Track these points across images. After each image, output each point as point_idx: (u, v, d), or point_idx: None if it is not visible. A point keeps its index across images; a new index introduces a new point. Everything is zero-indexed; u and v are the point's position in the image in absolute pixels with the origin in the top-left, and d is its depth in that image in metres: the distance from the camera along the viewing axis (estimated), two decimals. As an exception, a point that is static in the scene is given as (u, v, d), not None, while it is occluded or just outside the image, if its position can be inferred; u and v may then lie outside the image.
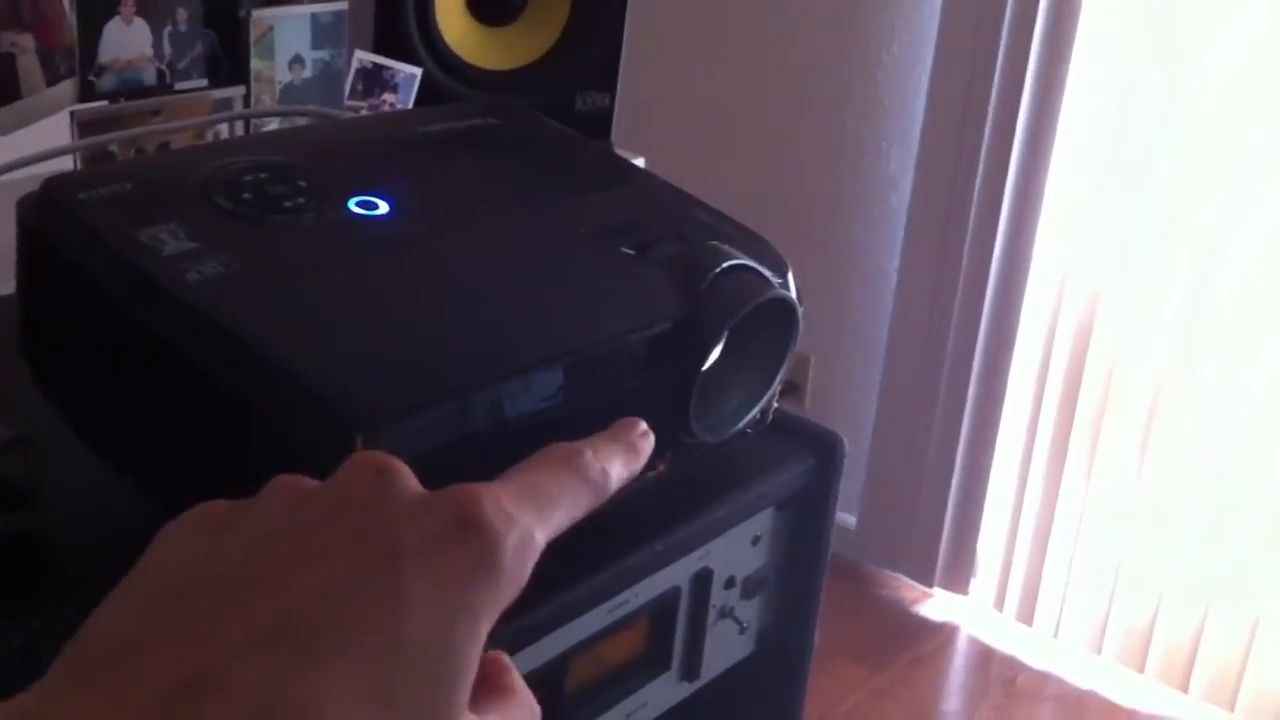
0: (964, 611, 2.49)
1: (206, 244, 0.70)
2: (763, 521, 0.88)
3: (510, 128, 0.91)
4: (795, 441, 0.89)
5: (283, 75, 1.44)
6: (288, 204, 0.74)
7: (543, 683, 0.76)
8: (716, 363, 0.77)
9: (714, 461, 0.83)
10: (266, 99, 1.44)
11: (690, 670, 0.87)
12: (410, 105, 1.58)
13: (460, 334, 0.70)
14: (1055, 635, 2.39)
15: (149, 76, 1.44)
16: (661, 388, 0.76)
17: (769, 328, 0.80)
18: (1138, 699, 2.31)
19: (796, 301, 0.80)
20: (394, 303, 0.71)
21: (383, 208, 0.77)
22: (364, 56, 1.52)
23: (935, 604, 2.50)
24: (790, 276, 0.82)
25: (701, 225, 0.83)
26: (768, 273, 0.80)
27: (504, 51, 1.65)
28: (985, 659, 2.40)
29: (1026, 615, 2.40)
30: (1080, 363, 2.26)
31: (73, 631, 0.40)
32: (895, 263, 2.43)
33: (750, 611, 0.90)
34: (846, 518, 2.58)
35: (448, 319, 0.71)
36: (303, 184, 0.76)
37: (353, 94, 1.52)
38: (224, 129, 1.42)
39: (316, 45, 1.46)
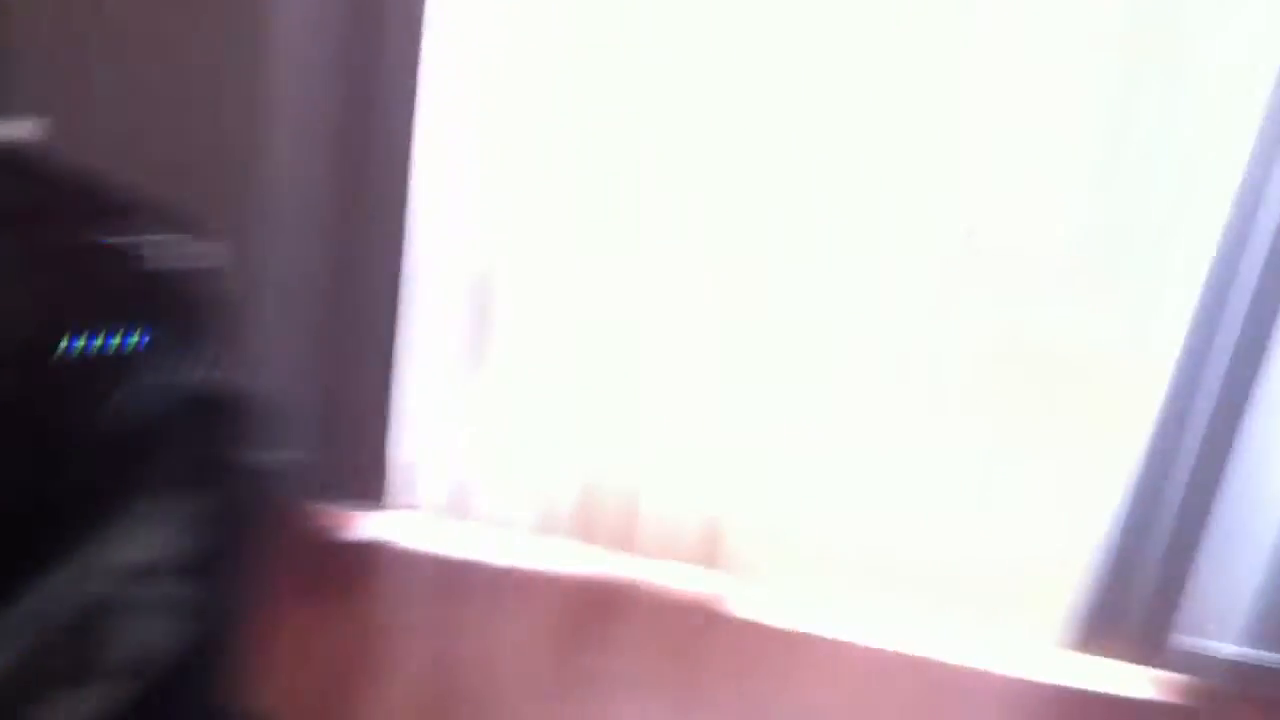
0: (384, 522, 2.59)
1: None
2: (180, 502, 0.91)
3: None
4: (198, 409, 0.91)
5: None
6: None
7: None
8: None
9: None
10: None
11: (136, 669, 0.90)
12: None
13: None
14: (471, 521, 2.56)
15: None
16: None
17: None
18: (556, 563, 2.53)
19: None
20: None
21: None
22: None
23: (365, 523, 2.58)
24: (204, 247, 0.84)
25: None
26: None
27: None
28: (411, 562, 2.52)
29: (456, 513, 2.55)
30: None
31: None
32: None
33: (186, 592, 0.93)
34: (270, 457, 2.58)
35: None
36: None
37: None
38: None
39: None
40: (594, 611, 2.47)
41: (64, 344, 0.77)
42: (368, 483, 2.57)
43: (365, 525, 2.59)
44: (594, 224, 2.31)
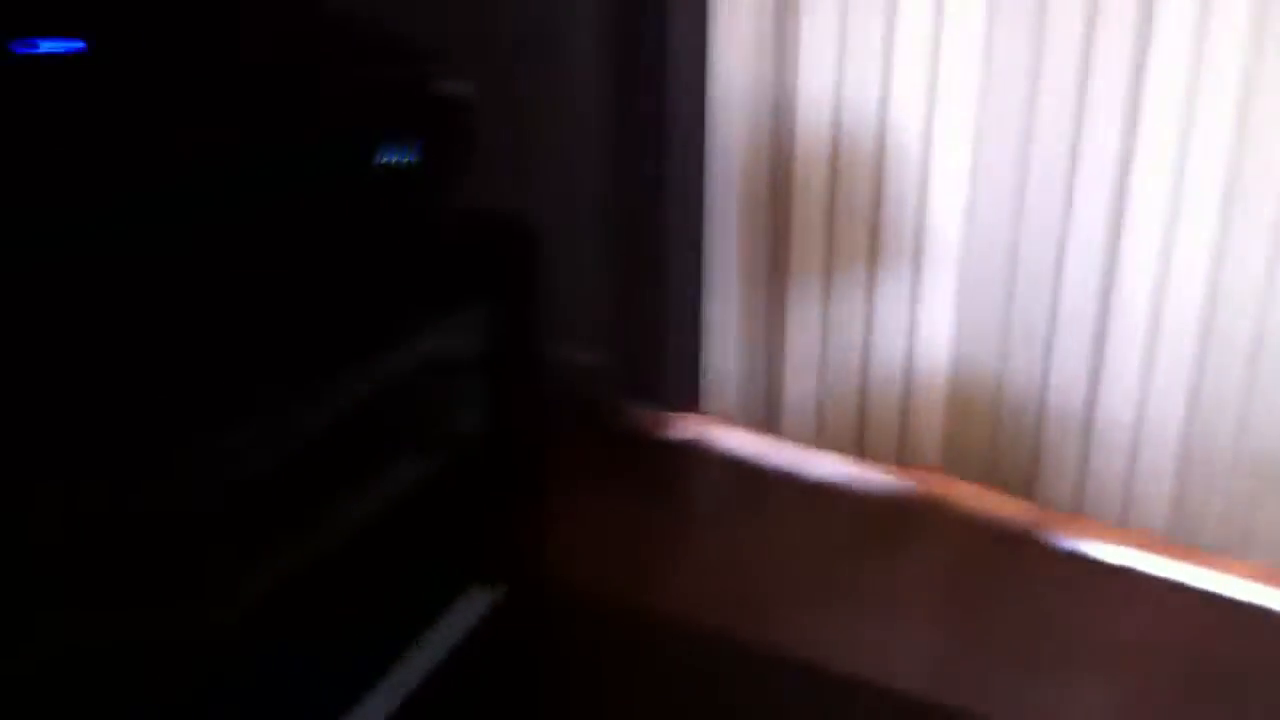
0: (699, 427, 2.66)
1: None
2: (479, 311, 0.98)
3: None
4: (497, 235, 0.99)
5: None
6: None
7: (298, 470, 0.84)
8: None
9: (426, 256, 0.92)
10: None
11: (426, 444, 0.97)
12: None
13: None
14: (783, 436, 2.59)
15: None
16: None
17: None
18: (869, 479, 2.53)
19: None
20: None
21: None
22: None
23: (674, 424, 2.65)
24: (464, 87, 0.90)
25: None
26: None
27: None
28: (724, 466, 2.58)
29: (759, 423, 2.59)
30: (781, 173, 2.41)
31: None
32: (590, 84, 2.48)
33: (476, 392, 1.00)
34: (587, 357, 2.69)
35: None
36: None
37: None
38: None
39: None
40: (895, 527, 2.47)
41: (378, 156, 0.82)
42: (679, 385, 2.64)
43: (675, 427, 2.66)
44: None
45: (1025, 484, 2.45)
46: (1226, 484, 2.22)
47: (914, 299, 2.41)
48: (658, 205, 2.48)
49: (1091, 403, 2.32)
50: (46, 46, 0.82)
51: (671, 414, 2.63)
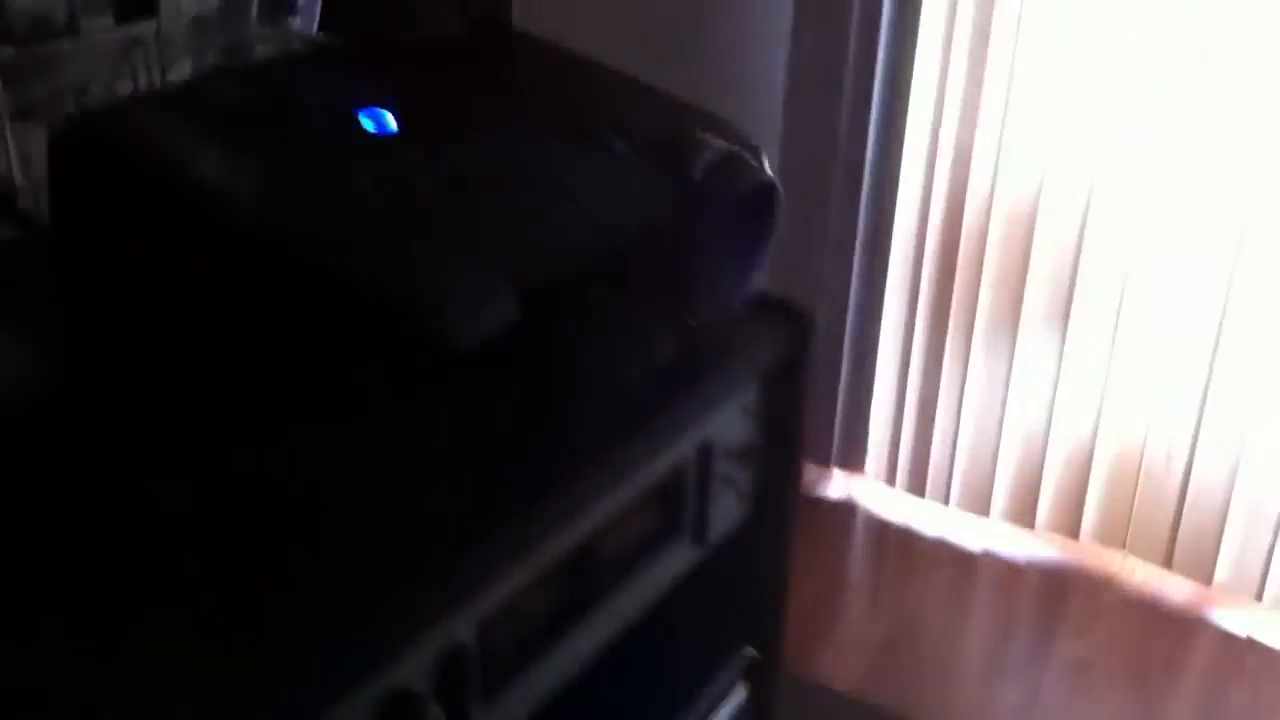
0: (859, 488, 2.61)
1: (250, 167, 0.73)
2: (750, 393, 0.95)
3: (494, 42, 0.95)
4: (769, 316, 0.96)
5: (191, 7, 1.44)
6: (309, 124, 0.78)
7: (579, 559, 0.82)
8: (712, 245, 0.83)
9: (704, 340, 0.89)
10: (175, 34, 1.44)
11: (699, 534, 0.94)
12: (315, 26, 1.59)
13: (506, 235, 0.74)
14: (945, 503, 2.53)
15: (59, 14, 1.43)
16: (667, 273, 0.81)
17: (753, 209, 0.86)
18: (1030, 551, 2.46)
19: (777, 183, 0.86)
20: (440, 215, 0.75)
21: (391, 125, 0.80)
22: (269, -17, 1.52)
23: (833, 482, 2.61)
24: (765, 159, 0.88)
25: (676, 113, 0.88)
26: (749, 157, 0.86)
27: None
28: (882, 532, 2.53)
29: (918, 487, 2.53)
30: (955, 239, 2.36)
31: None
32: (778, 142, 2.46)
33: (745, 477, 0.97)
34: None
35: (492, 223, 0.75)
36: (316, 105, 0.80)
37: (260, 19, 1.53)
38: (140, 70, 1.42)
39: (224, -25, 1.45)
40: (1058, 601, 2.40)
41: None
42: (847, 446, 2.60)
43: (840, 486, 2.61)
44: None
45: (1198, 563, 2.38)
46: None
47: (1062, 364, 2.35)
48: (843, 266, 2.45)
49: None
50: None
51: (832, 470, 2.59)
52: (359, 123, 0.80)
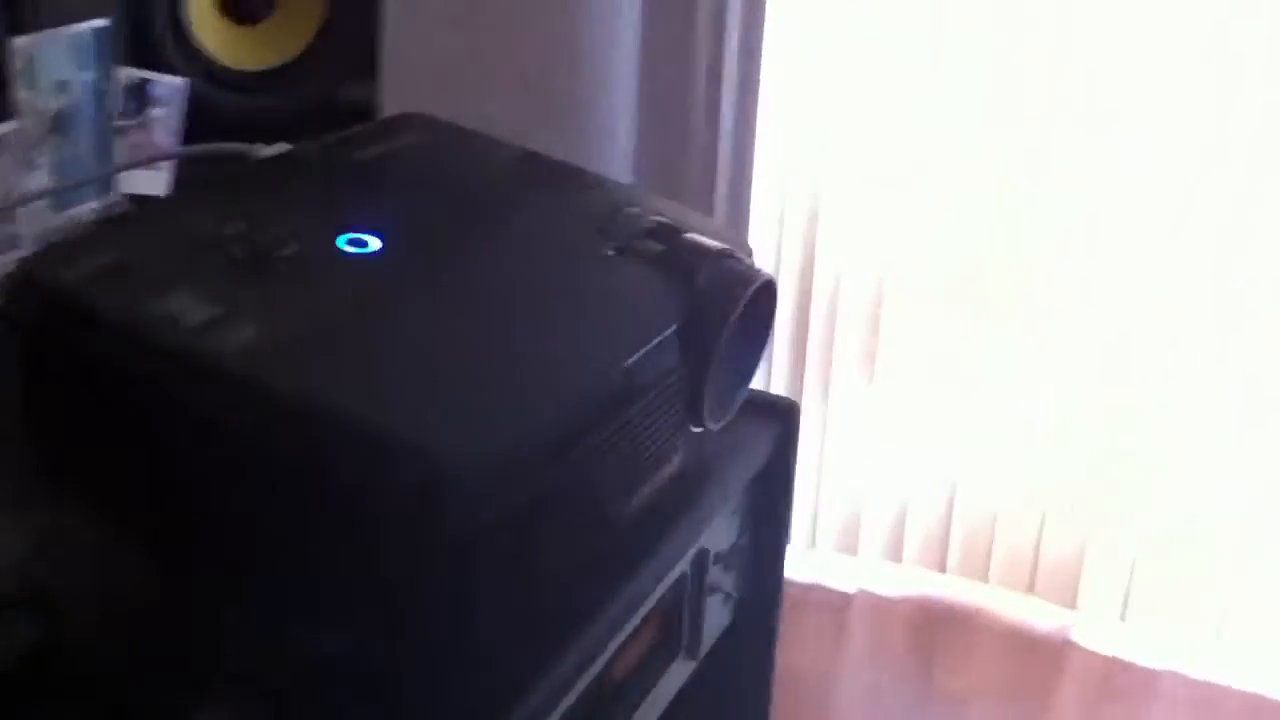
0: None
1: (223, 308, 0.66)
2: (738, 495, 0.92)
3: (437, 142, 0.89)
4: (756, 414, 0.92)
5: (49, 104, 1.34)
6: (282, 253, 0.71)
7: (593, 697, 0.77)
8: (722, 351, 0.79)
9: (701, 447, 0.85)
10: (35, 132, 1.34)
11: (693, 648, 0.90)
12: (179, 118, 1.50)
13: (506, 368, 0.69)
14: (812, 545, 2.52)
15: (-95, 120, 1.31)
16: (676, 385, 0.77)
17: (753, 308, 0.83)
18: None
19: (774, 280, 0.83)
20: (432, 343, 0.69)
21: (373, 244, 0.74)
22: (129, 73, 1.43)
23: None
24: (752, 253, 0.85)
25: (665, 214, 0.84)
26: (740, 253, 0.82)
27: (261, 50, 1.58)
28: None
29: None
30: (809, 286, 2.37)
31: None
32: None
33: (730, 582, 0.94)
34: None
35: (488, 354, 0.70)
36: (285, 230, 0.73)
37: (123, 112, 1.43)
38: (5, 167, 1.32)
39: (83, 67, 1.36)
40: (935, 636, 2.42)
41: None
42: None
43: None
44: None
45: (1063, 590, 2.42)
46: None
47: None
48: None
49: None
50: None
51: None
52: (339, 246, 0.74)
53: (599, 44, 2.32)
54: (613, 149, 2.47)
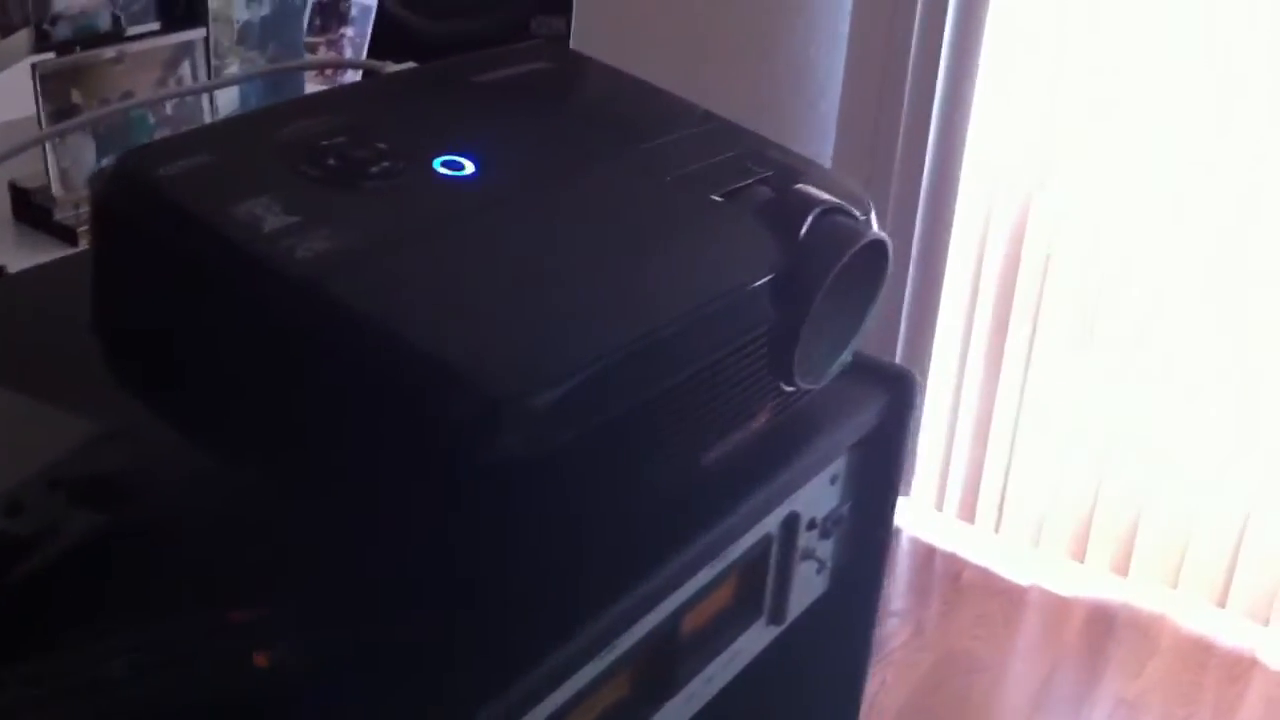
0: (906, 512, 2.54)
1: (304, 217, 0.67)
2: (839, 461, 0.88)
3: (565, 72, 0.88)
4: (868, 379, 0.89)
5: (241, 14, 1.37)
6: (374, 169, 0.71)
7: (658, 644, 0.75)
8: (818, 310, 0.76)
9: (796, 407, 0.82)
10: (224, 40, 1.38)
11: (778, 614, 0.87)
12: (367, 39, 1.52)
13: (581, 299, 0.68)
14: (996, 531, 2.45)
15: (103, 22, 1.37)
16: (765, 339, 0.75)
17: (860, 268, 0.79)
18: (1079, 588, 2.38)
19: (887, 240, 0.79)
20: (508, 270, 0.68)
21: (468, 168, 0.74)
22: (321, -10, 1.46)
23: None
24: (873, 213, 0.81)
25: (780, 165, 0.81)
26: (857, 212, 0.79)
27: (457, -22, 1.60)
28: (929, 558, 2.46)
29: (967, 513, 2.46)
30: (1015, 261, 2.29)
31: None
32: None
33: (827, 550, 0.90)
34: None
35: (564, 284, 0.69)
36: (383, 146, 0.73)
37: (310, 30, 1.46)
38: (186, 75, 1.36)
39: (275, -20, 1.39)
40: (1099, 637, 2.33)
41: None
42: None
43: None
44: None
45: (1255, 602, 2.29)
46: None
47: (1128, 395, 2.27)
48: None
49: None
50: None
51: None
52: (434, 168, 0.73)
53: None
54: (813, 117, 2.43)
